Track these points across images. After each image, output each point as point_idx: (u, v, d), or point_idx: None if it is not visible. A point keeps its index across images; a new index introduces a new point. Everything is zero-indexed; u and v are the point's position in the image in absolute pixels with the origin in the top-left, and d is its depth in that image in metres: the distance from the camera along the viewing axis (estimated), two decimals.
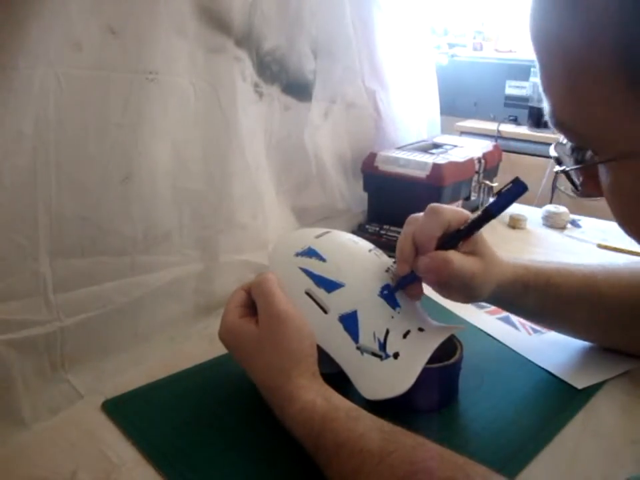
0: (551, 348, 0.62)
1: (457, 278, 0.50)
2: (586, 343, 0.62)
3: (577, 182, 0.39)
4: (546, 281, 0.57)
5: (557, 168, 0.40)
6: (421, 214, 0.52)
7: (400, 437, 0.41)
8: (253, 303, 0.51)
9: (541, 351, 0.61)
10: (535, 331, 0.66)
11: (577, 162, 0.38)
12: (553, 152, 0.41)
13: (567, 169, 0.39)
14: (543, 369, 0.58)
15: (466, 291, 0.52)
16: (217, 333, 0.51)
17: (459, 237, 0.50)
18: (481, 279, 0.52)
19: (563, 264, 0.60)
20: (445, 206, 0.51)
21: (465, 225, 0.50)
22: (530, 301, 0.57)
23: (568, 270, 0.58)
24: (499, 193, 0.49)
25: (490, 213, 0.50)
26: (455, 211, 0.51)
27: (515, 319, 0.68)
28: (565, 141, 0.38)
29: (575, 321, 0.60)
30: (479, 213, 0.50)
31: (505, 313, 0.69)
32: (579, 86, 0.32)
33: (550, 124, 0.36)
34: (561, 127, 0.35)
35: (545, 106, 0.35)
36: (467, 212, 0.52)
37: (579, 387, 0.55)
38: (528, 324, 0.67)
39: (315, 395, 0.45)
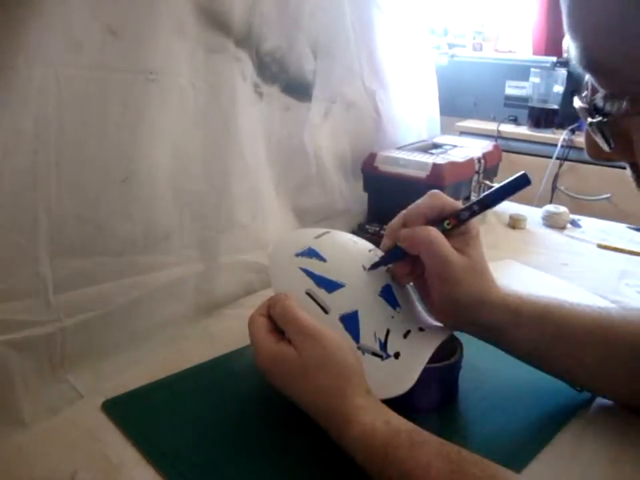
0: None
1: (433, 258, 0.48)
2: None
3: (609, 137, 0.35)
4: (546, 313, 0.50)
5: (590, 119, 0.35)
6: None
7: (469, 468, 0.39)
8: (278, 328, 0.48)
9: None
10: None
11: (607, 115, 0.33)
12: (577, 103, 0.37)
13: (602, 119, 0.34)
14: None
15: (442, 282, 0.49)
16: (255, 364, 0.48)
17: (447, 218, 0.50)
18: (460, 274, 0.48)
19: (567, 301, 0.53)
20: (443, 194, 0.51)
21: (457, 211, 0.50)
22: (521, 333, 0.50)
23: (570, 302, 0.52)
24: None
25: (485, 203, 0.49)
26: (452, 201, 0.51)
27: None
28: (588, 95, 0.35)
29: (581, 365, 0.50)
30: (474, 200, 0.50)
31: None
32: (625, 12, 0.29)
33: (580, 67, 0.33)
34: (595, 68, 0.32)
35: (572, 49, 0.32)
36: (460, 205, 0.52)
37: (579, 386, 0.55)
38: None
39: (373, 416, 0.42)
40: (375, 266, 0.52)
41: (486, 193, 0.51)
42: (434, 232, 0.48)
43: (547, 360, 0.52)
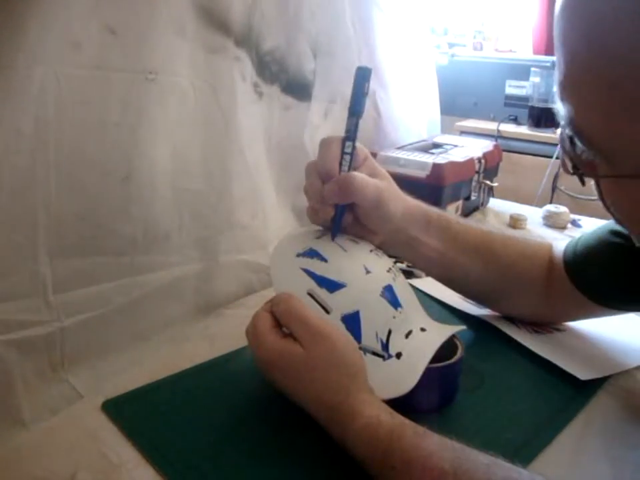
0: (552, 343, 0.62)
1: (365, 196, 0.51)
2: (590, 341, 0.62)
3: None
4: (447, 223, 0.58)
5: (570, 169, 0.39)
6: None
7: (472, 455, 0.40)
8: (282, 327, 0.49)
9: (543, 344, 0.61)
10: (537, 332, 0.65)
11: (587, 165, 0.36)
12: (558, 134, 0.40)
13: (580, 175, 0.38)
14: (545, 359, 0.58)
15: (379, 212, 0.53)
16: (255, 360, 0.49)
17: (345, 143, 0.51)
18: (389, 198, 0.53)
19: (459, 219, 0.62)
20: (331, 139, 0.52)
21: (349, 143, 0.51)
22: (431, 239, 0.57)
23: (465, 222, 0.61)
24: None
25: (351, 111, 0.50)
26: (338, 137, 0.52)
27: (519, 322, 0.68)
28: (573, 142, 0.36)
29: (468, 273, 0.61)
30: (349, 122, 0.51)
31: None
32: (614, 101, 0.30)
33: (564, 126, 0.34)
34: (578, 134, 0.33)
35: (561, 108, 0.33)
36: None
37: (582, 377, 0.55)
38: (530, 327, 0.66)
39: (378, 409, 0.43)
40: (334, 233, 0.53)
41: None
42: (353, 175, 0.50)
43: (442, 266, 0.61)
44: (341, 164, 0.51)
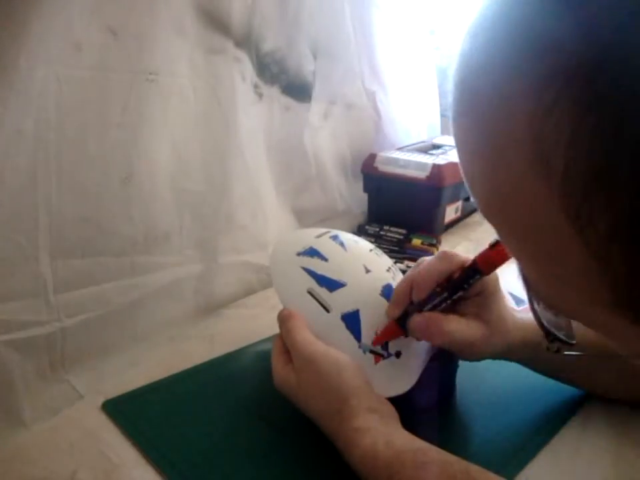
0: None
1: (451, 347, 0.47)
2: None
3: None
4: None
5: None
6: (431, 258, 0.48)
7: None
8: None
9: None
10: None
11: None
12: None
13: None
14: None
15: (461, 353, 0.48)
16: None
17: (454, 299, 0.45)
18: (479, 346, 0.47)
19: None
20: (455, 254, 0.47)
21: (452, 280, 0.45)
22: (542, 361, 0.52)
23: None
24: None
25: (478, 270, 0.43)
26: (463, 260, 0.46)
27: None
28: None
29: (595, 374, 0.52)
30: (465, 272, 0.44)
31: None
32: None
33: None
34: (523, 279, 0.24)
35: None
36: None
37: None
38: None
39: (374, 438, 0.41)
40: (379, 341, 0.49)
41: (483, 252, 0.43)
42: (449, 324, 0.45)
43: (563, 374, 0.54)
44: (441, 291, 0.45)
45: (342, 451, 0.43)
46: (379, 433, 0.42)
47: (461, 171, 0.23)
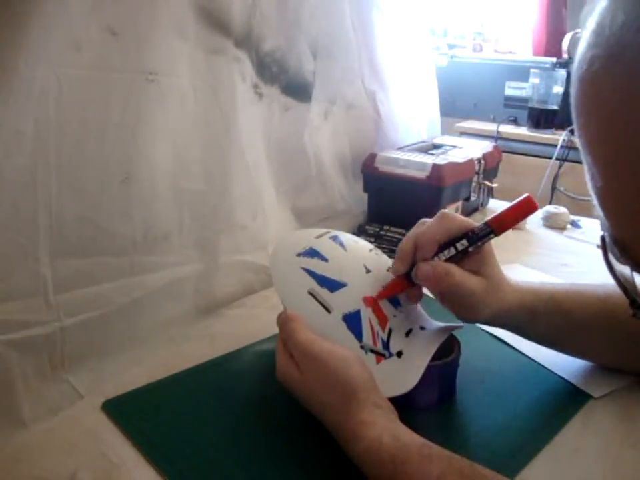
0: (563, 354, 0.60)
1: (455, 293, 0.49)
2: None
3: None
4: (557, 307, 0.54)
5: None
6: (435, 216, 0.50)
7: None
8: None
9: (553, 357, 0.59)
10: None
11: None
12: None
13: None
14: (557, 375, 0.57)
15: (461, 308, 0.51)
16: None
17: (459, 251, 0.49)
18: (480, 299, 0.49)
19: (576, 286, 0.57)
20: (456, 214, 0.50)
21: (465, 243, 0.48)
22: (539, 327, 0.54)
23: (580, 293, 0.56)
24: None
25: (491, 229, 0.48)
26: (462, 220, 0.50)
27: None
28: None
29: (590, 346, 0.57)
30: (480, 225, 0.49)
31: None
32: None
33: (606, 237, 0.28)
34: (620, 245, 0.27)
35: (600, 216, 0.27)
36: (472, 222, 0.50)
37: (596, 395, 0.54)
38: None
39: (379, 431, 0.42)
40: (384, 294, 0.51)
41: (496, 215, 0.49)
42: (453, 269, 0.48)
43: (560, 344, 0.57)
44: (448, 245, 0.49)
45: (345, 443, 0.43)
46: (385, 427, 0.42)
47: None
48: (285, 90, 0.81)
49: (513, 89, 1.92)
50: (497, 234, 0.48)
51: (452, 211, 0.97)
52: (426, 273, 0.48)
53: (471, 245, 0.48)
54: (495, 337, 0.65)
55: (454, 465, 0.39)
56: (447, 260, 0.49)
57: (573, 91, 0.26)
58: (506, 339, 0.64)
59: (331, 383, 0.45)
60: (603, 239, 0.30)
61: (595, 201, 0.27)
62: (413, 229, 0.52)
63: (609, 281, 0.31)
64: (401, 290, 0.51)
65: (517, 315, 0.52)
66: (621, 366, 0.58)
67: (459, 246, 0.48)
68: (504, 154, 1.14)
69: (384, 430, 0.42)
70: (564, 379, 0.57)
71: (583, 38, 0.25)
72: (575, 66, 0.26)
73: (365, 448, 0.41)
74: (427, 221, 0.51)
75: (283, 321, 0.49)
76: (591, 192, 0.27)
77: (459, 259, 0.49)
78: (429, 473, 0.38)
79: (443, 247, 0.49)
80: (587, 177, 0.27)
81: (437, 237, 0.49)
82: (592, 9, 0.24)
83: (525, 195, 0.48)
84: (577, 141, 0.27)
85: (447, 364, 0.52)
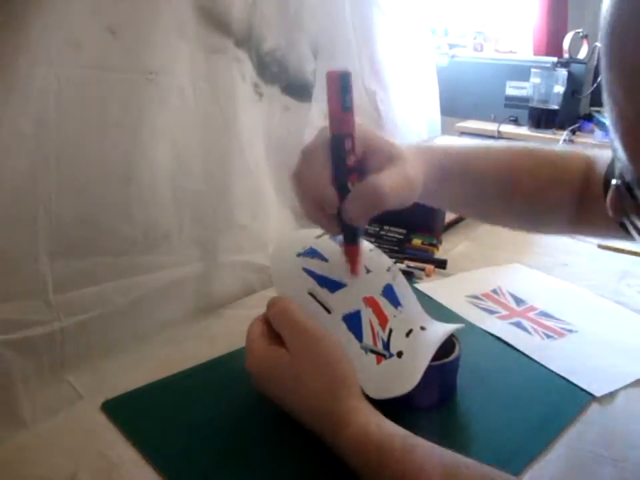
0: (564, 354, 0.61)
1: (394, 200, 0.45)
2: (599, 349, 0.61)
3: None
4: (464, 167, 0.54)
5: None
6: (298, 163, 0.46)
7: (464, 470, 0.38)
8: (274, 332, 0.48)
9: (554, 357, 0.60)
10: (548, 336, 0.65)
11: None
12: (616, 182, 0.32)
13: None
14: (558, 375, 0.57)
15: (400, 200, 0.47)
16: (245, 366, 0.48)
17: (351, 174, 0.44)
18: (410, 182, 0.46)
19: (487, 146, 0.58)
20: (310, 144, 0.45)
21: (340, 165, 0.44)
22: (448, 188, 0.54)
23: (488, 152, 0.56)
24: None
25: (342, 135, 0.43)
26: (321, 141, 0.45)
27: (527, 323, 0.67)
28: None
29: (489, 210, 0.59)
30: (335, 146, 0.44)
31: (516, 318, 0.68)
32: None
33: (627, 177, 0.29)
34: None
35: (622, 160, 0.28)
36: (325, 131, 0.45)
37: (597, 394, 0.54)
38: (541, 329, 0.66)
39: (366, 419, 0.42)
40: (356, 267, 0.50)
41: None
42: (378, 181, 0.44)
43: (466, 208, 0.61)
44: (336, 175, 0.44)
45: (331, 430, 0.43)
46: (371, 415, 0.43)
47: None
48: (286, 90, 0.81)
49: (513, 89, 1.92)
50: (351, 132, 0.44)
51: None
52: (357, 205, 0.44)
53: (344, 160, 0.44)
54: (495, 337, 0.65)
55: (436, 454, 0.40)
56: (345, 184, 0.44)
57: (602, 46, 0.27)
58: (506, 339, 0.64)
59: (324, 368, 0.45)
60: (617, 187, 0.31)
61: (618, 144, 0.27)
62: (296, 188, 0.47)
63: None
64: (357, 252, 0.48)
65: (432, 174, 0.50)
66: (518, 228, 0.63)
67: (340, 166, 0.44)
68: None
69: (371, 417, 0.43)
70: (564, 378, 0.57)
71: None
72: (603, 19, 0.27)
73: (352, 434, 0.41)
74: (299, 171, 0.46)
75: (277, 300, 0.49)
76: (614, 135, 0.28)
77: (355, 173, 0.45)
78: (413, 462, 0.39)
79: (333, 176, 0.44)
80: (611, 122, 0.28)
81: (326, 181, 0.44)
82: None
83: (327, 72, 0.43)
84: (603, 96, 0.28)
85: (447, 364, 0.52)
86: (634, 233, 0.32)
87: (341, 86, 0.43)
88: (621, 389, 0.55)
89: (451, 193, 0.55)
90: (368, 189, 0.44)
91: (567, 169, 0.57)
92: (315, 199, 0.45)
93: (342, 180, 0.45)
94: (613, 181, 0.31)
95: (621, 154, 0.27)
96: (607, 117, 0.28)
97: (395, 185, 0.45)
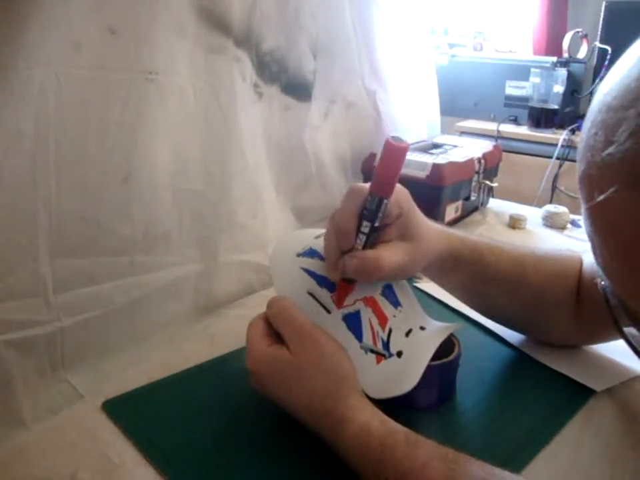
0: (562, 351, 0.61)
1: (390, 275, 0.48)
2: (598, 346, 0.61)
3: None
4: (479, 257, 0.55)
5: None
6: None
7: (467, 466, 0.39)
8: (274, 331, 0.48)
9: (553, 354, 0.60)
10: None
11: None
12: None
13: None
14: (557, 374, 0.57)
15: (398, 276, 0.51)
16: (246, 365, 0.47)
17: (367, 234, 0.46)
18: (412, 264, 0.49)
19: (497, 242, 0.59)
20: (364, 185, 0.47)
21: (368, 224, 0.46)
22: (459, 276, 0.56)
23: (501, 249, 0.57)
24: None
25: (379, 197, 0.45)
26: (361, 190, 0.46)
27: None
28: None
29: (496, 302, 0.59)
30: (370, 203, 0.45)
31: None
32: None
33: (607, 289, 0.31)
34: (619, 299, 0.30)
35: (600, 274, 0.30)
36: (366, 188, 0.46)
37: (597, 389, 0.54)
38: None
39: (369, 416, 0.42)
40: (340, 303, 0.49)
41: (372, 179, 0.46)
42: (381, 255, 0.46)
43: (471, 296, 0.60)
44: (361, 230, 0.46)
45: (332, 429, 0.43)
46: (373, 413, 0.43)
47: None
48: (285, 89, 0.81)
49: (513, 88, 1.92)
50: (387, 196, 0.45)
51: (452, 210, 0.97)
52: (355, 267, 0.46)
53: (373, 223, 0.46)
54: (495, 336, 0.65)
55: (439, 451, 0.40)
56: (366, 238, 0.46)
57: (581, 184, 0.28)
58: (506, 339, 0.64)
59: (326, 367, 0.45)
60: (604, 289, 0.33)
61: (598, 268, 0.30)
62: (328, 225, 0.49)
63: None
64: (350, 291, 0.49)
65: (445, 260, 0.53)
66: (515, 327, 0.62)
67: (364, 229, 0.46)
68: (504, 153, 1.14)
69: (373, 415, 0.43)
70: (565, 376, 0.57)
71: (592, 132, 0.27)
72: (582, 147, 0.28)
73: (354, 432, 0.42)
74: (334, 213, 0.48)
75: (277, 299, 0.49)
76: (595, 262, 0.30)
77: (374, 237, 0.47)
78: (416, 458, 0.39)
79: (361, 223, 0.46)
80: (592, 252, 0.30)
81: (354, 221, 0.46)
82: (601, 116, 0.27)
83: (385, 139, 0.44)
84: (585, 227, 0.30)
85: (446, 364, 0.52)
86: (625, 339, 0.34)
87: (398, 159, 0.45)
88: (621, 384, 0.55)
89: (458, 280, 0.57)
90: (369, 260, 0.46)
91: (564, 265, 0.59)
92: (338, 236, 0.47)
93: (364, 234, 0.46)
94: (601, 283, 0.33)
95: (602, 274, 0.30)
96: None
97: (395, 263, 0.47)
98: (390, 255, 0.47)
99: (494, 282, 0.56)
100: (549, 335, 0.61)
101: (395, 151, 0.44)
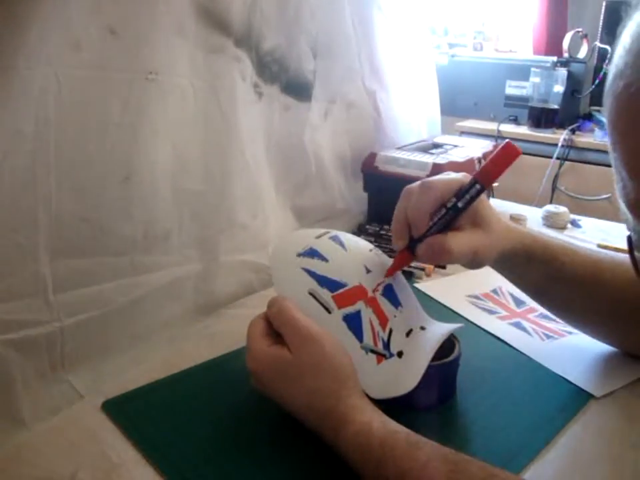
0: (564, 354, 0.61)
1: (457, 261, 0.51)
2: (599, 349, 0.61)
3: None
4: (552, 256, 0.55)
5: None
6: (416, 185, 0.50)
7: (468, 467, 0.38)
8: (275, 331, 0.48)
9: (554, 357, 0.60)
10: (548, 336, 0.65)
11: None
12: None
13: None
14: (558, 375, 0.57)
15: (467, 264, 0.52)
16: (246, 364, 0.48)
17: (450, 216, 0.49)
18: (483, 252, 0.51)
19: (571, 244, 0.58)
20: (437, 179, 0.50)
21: (454, 200, 0.49)
22: (532, 273, 0.56)
23: (574, 251, 0.57)
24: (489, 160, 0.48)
25: (479, 184, 0.48)
26: (447, 183, 0.50)
27: (527, 324, 0.67)
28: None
29: (571, 304, 0.58)
30: (467, 185, 0.49)
31: (516, 319, 0.69)
32: None
33: (633, 236, 0.31)
34: None
35: (628, 219, 0.30)
36: (459, 179, 0.50)
37: (597, 394, 0.54)
38: (541, 330, 0.66)
39: (369, 416, 0.43)
40: (392, 271, 0.53)
41: (480, 167, 0.49)
42: (449, 242, 0.48)
43: (544, 296, 0.60)
44: (436, 214, 0.49)
45: (333, 428, 0.43)
46: (374, 412, 0.44)
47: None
48: (285, 89, 0.81)
49: (513, 88, 1.92)
50: (485, 186, 0.48)
51: None
52: (424, 252, 0.49)
53: (459, 201, 0.48)
54: (495, 337, 0.65)
55: (440, 451, 0.40)
56: (440, 221, 0.49)
57: (607, 103, 0.28)
58: (506, 339, 0.64)
59: (326, 367, 0.45)
60: (629, 238, 0.33)
61: (624, 208, 0.30)
62: (400, 202, 0.52)
63: None
64: (407, 263, 0.53)
65: (515, 257, 0.54)
66: (593, 333, 0.60)
67: (448, 204, 0.49)
68: None
69: (374, 415, 0.43)
70: (565, 378, 0.57)
71: (617, 52, 0.28)
72: (609, 78, 0.28)
73: (355, 432, 0.42)
74: (411, 191, 0.51)
75: (277, 299, 0.49)
76: (620, 200, 0.30)
77: (453, 217, 0.49)
78: (417, 459, 0.39)
79: (440, 210, 0.49)
80: (617, 187, 0.30)
81: (426, 209, 0.49)
82: (626, 25, 0.28)
83: (505, 141, 0.48)
84: (610, 152, 0.30)
85: (447, 364, 0.52)
86: None
87: (509, 160, 0.48)
88: (621, 388, 0.55)
89: (531, 278, 0.57)
90: (437, 244, 0.49)
91: None
92: (408, 217, 0.50)
93: (444, 218, 0.49)
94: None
95: (629, 216, 0.30)
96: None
97: (463, 249, 0.49)
98: (458, 239, 0.49)
99: (568, 283, 0.56)
100: (624, 344, 0.60)
101: (511, 152, 0.47)
